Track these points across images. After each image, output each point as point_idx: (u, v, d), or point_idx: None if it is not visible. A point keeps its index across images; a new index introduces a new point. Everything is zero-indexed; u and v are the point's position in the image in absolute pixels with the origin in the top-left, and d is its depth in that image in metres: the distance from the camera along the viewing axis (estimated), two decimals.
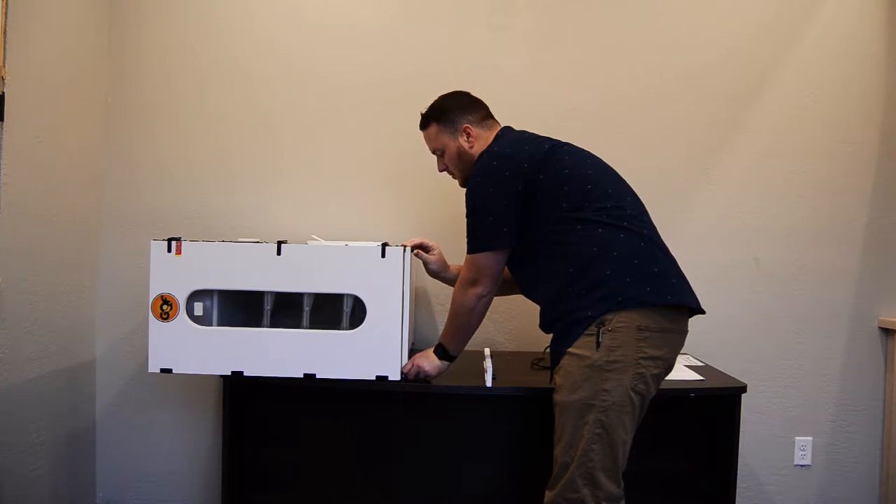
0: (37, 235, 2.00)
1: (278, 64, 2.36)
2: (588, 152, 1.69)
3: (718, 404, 1.85)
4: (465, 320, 1.69)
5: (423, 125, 1.83)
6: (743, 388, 1.81)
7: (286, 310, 1.83)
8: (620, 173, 1.68)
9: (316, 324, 1.81)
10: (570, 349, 1.51)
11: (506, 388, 1.80)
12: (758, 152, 2.36)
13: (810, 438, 2.37)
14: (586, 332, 1.49)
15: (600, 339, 1.47)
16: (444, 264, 1.96)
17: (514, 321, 2.37)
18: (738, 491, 1.90)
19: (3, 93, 1.81)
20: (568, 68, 2.36)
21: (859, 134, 2.36)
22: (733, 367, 2.22)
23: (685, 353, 2.19)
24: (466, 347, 1.77)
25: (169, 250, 1.75)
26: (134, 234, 2.35)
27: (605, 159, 1.69)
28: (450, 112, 1.78)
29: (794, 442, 2.37)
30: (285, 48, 2.36)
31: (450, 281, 1.94)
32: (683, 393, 1.77)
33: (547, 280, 1.60)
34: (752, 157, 2.36)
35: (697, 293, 1.60)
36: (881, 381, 2.38)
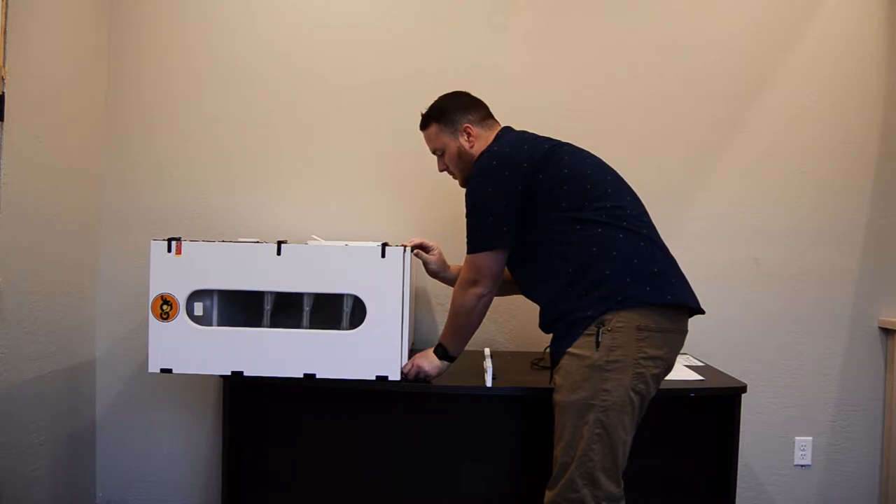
0: (37, 235, 2.00)
1: (278, 64, 2.36)
2: (588, 152, 1.69)
3: (718, 404, 1.85)
4: (465, 320, 1.69)
5: (424, 125, 1.84)
6: (743, 388, 1.81)
7: (286, 310, 1.83)
8: (620, 173, 1.68)
9: (316, 324, 1.81)
10: (569, 349, 1.51)
11: (506, 388, 1.80)
12: (758, 152, 2.36)
13: (810, 438, 2.37)
14: (586, 332, 1.49)
15: (600, 339, 1.47)
16: (443, 264, 1.96)
17: (514, 321, 2.37)
18: (738, 491, 1.90)
19: (3, 93, 1.81)
20: (568, 68, 2.36)
21: (859, 134, 2.37)
22: (733, 367, 2.22)
23: (685, 353, 2.19)
24: (466, 347, 1.77)
25: (169, 250, 1.75)
26: (134, 234, 2.35)
27: (605, 159, 1.69)
28: (450, 112, 1.78)
29: (794, 442, 2.37)
30: (285, 48, 2.36)
31: (450, 281, 1.94)
32: (683, 393, 1.77)
33: (547, 280, 1.60)
34: (752, 157, 2.36)
35: (697, 293, 1.60)
36: (881, 381, 2.38)
